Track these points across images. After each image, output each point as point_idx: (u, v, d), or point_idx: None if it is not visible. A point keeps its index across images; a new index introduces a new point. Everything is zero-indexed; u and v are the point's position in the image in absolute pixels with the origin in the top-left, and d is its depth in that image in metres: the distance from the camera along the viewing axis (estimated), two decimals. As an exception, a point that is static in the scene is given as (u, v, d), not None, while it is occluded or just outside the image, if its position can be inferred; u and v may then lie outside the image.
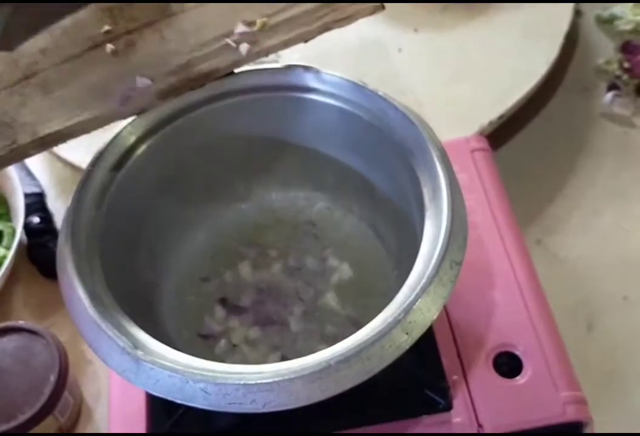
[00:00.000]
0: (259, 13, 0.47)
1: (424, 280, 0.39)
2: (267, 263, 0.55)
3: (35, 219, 0.72)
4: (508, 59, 0.71)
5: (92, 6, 0.46)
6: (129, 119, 0.48)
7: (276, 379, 0.36)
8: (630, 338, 0.58)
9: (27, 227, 0.70)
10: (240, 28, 0.47)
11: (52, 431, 0.57)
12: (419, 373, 0.49)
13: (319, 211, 0.57)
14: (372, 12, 0.48)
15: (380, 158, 0.49)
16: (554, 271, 0.63)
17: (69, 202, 0.70)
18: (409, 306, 0.38)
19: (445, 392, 0.49)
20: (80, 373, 0.62)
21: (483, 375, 0.50)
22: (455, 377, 0.50)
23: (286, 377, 0.36)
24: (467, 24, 0.75)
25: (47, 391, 0.55)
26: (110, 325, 0.40)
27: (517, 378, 0.49)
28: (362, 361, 0.37)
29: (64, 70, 0.46)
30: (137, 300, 0.47)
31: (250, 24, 0.47)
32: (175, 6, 0.47)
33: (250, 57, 0.47)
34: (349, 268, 0.53)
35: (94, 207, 0.45)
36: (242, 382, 0.37)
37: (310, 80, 0.49)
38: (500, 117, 0.67)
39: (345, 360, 0.37)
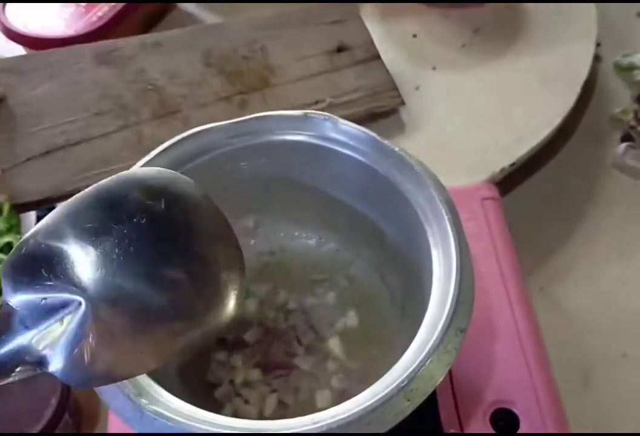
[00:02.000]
0: (328, 94, 0.69)
1: (428, 347, 0.39)
2: (272, 303, 0.56)
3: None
4: (524, 104, 0.71)
5: (216, 71, 0.69)
6: (144, 159, 0.48)
7: (273, 440, 0.37)
8: (625, 397, 0.59)
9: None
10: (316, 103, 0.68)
11: (49, 452, 0.58)
12: (416, 426, 0.49)
13: (328, 252, 0.57)
14: (397, 106, 0.71)
15: (393, 211, 0.49)
16: (555, 320, 0.63)
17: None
18: (412, 373, 0.38)
19: (440, 445, 0.49)
20: (80, 394, 0.63)
21: (480, 430, 0.50)
22: (452, 431, 0.50)
23: (283, 439, 0.37)
24: (485, 65, 0.75)
25: (47, 413, 0.55)
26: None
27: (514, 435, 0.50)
28: (362, 426, 0.37)
29: (198, 113, 0.64)
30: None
31: (320, 101, 0.68)
32: (273, 80, 0.69)
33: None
34: (354, 314, 0.54)
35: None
36: (242, 439, 0.37)
37: (329, 130, 0.49)
38: (512, 165, 0.67)
39: (345, 424, 0.37)
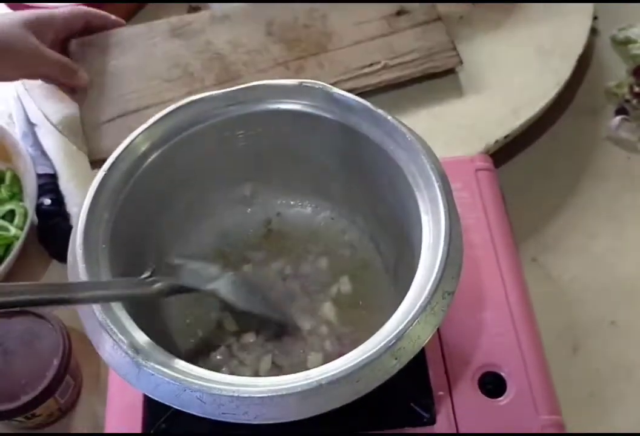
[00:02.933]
0: (383, 56, 0.71)
1: (415, 308, 0.40)
2: (268, 269, 0.57)
3: (47, 201, 0.73)
4: (520, 77, 0.72)
5: (277, 39, 0.73)
6: (144, 126, 0.49)
7: (268, 394, 0.38)
8: (613, 364, 0.60)
9: (39, 208, 0.72)
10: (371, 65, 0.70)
11: (51, 411, 0.60)
12: (406, 387, 0.51)
13: (324, 220, 0.58)
14: (454, 66, 0.72)
15: (386, 179, 0.50)
16: (546, 290, 0.64)
17: (81, 185, 0.73)
18: (399, 333, 0.40)
19: (430, 407, 0.51)
20: (81, 355, 0.64)
21: (468, 392, 0.52)
22: (440, 393, 0.52)
23: (278, 393, 0.38)
24: (483, 36, 0.75)
25: (49, 374, 0.57)
26: (115, 328, 0.41)
27: (500, 398, 0.52)
28: (352, 383, 0.39)
29: (258, 77, 0.65)
30: (142, 303, 0.49)
31: (375, 63, 0.70)
32: (330, 45, 0.72)
33: (375, 84, 0.70)
34: (348, 281, 0.55)
35: (106, 211, 0.47)
36: (236, 395, 0.39)
37: (323, 99, 0.50)
38: (507, 137, 0.68)
39: (335, 381, 0.39)
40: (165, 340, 0.49)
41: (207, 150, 0.53)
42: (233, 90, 0.51)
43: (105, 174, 0.47)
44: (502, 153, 0.70)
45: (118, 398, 0.55)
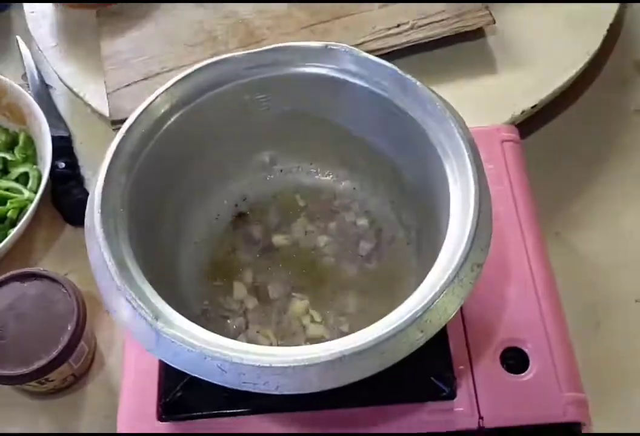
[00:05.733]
0: (410, 17, 0.69)
1: (443, 280, 0.39)
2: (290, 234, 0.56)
3: (61, 164, 0.73)
4: (548, 47, 0.70)
5: (302, 6, 0.72)
6: (162, 88, 0.48)
7: (291, 365, 0.38)
8: (636, 342, 0.59)
9: (53, 171, 0.70)
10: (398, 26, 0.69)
11: (65, 377, 0.59)
12: (427, 360, 0.49)
13: (345, 190, 0.57)
14: (487, 24, 0.69)
15: (412, 147, 0.49)
16: (569, 266, 0.63)
17: (96, 149, 0.72)
18: (426, 305, 0.38)
19: (450, 381, 0.50)
20: (95, 320, 0.64)
21: (489, 368, 0.51)
22: (461, 367, 0.51)
23: (300, 364, 0.37)
24: (513, 5, 0.73)
25: (64, 340, 0.56)
26: (134, 293, 0.40)
27: (522, 374, 0.50)
28: (376, 356, 0.38)
29: (282, 40, 0.58)
30: (159, 269, 0.48)
31: (403, 24, 0.69)
32: (356, 8, 0.71)
33: (402, 44, 0.69)
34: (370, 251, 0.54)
35: (124, 174, 0.46)
36: (257, 364, 0.38)
37: (349, 63, 0.49)
38: (534, 107, 0.66)
39: (359, 352, 0.38)
40: (183, 307, 0.48)
41: (227, 114, 0.51)
42: (255, 52, 0.49)
43: (123, 136, 0.46)
44: (528, 125, 0.68)
45: (134, 365, 0.54)
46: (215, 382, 0.39)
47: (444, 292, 0.39)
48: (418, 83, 0.47)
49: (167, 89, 0.48)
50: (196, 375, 0.39)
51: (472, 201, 0.42)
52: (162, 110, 0.48)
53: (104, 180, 0.44)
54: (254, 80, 0.50)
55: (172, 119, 0.48)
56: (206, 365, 0.38)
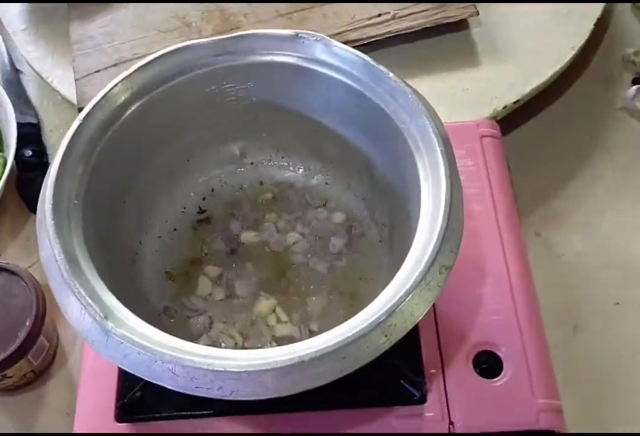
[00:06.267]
0: (392, 7, 0.68)
1: (410, 283, 0.37)
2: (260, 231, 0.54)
3: (28, 152, 0.70)
4: (533, 40, 0.68)
5: None
6: (123, 74, 0.46)
7: (246, 369, 0.35)
8: (615, 346, 0.57)
9: (19, 159, 0.68)
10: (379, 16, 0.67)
11: (24, 373, 0.57)
12: (396, 363, 0.48)
13: (317, 184, 0.55)
14: (470, 15, 0.67)
15: (385, 141, 0.46)
16: (548, 266, 0.61)
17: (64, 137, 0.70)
18: (391, 308, 0.36)
19: (420, 385, 0.48)
20: (58, 316, 0.61)
21: (461, 372, 0.49)
22: (432, 371, 0.49)
23: (256, 368, 0.35)
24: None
25: (21, 335, 0.54)
26: (83, 290, 0.38)
27: (496, 379, 0.49)
28: (337, 360, 0.36)
29: (258, 28, 0.56)
30: (119, 264, 0.46)
31: (384, 13, 0.67)
32: None
33: (382, 34, 0.67)
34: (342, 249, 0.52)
35: (81, 163, 0.44)
36: (210, 368, 0.36)
37: (320, 52, 0.46)
38: (517, 102, 0.64)
39: (319, 357, 0.36)
40: (139, 304, 0.46)
41: (192, 104, 0.49)
42: (222, 39, 0.47)
43: (80, 124, 0.44)
44: (509, 121, 0.66)
45: (92, 363, 0.52)
46: (166, 386, 0.37)
47: (410, 295, 0.37)
48: (391, 74, 0.44)
49: (127, 76, 0.45)
50: (147, 379, 0.37)
51: (442, 200, 0.40)
52: (122, 98, 0.45)
53: (58, 169, 0.42)
54: (220, 68, 0.47)
55: (133, 108, 0.46)
56: (157, 368, 0.36)
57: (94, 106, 0.44)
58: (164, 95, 0.47)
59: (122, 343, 0.37)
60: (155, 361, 0.36)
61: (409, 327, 0.37)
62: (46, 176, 0.43)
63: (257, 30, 0.47)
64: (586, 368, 0.56)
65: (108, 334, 0.37)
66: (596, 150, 0.68)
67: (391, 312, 0.36)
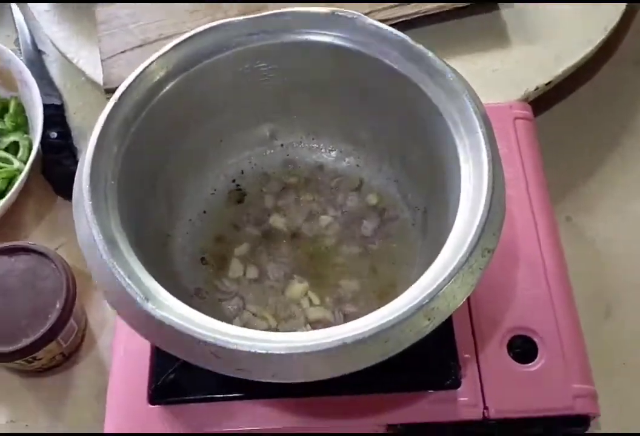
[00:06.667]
0: None
1: (453, 266, 0.37)
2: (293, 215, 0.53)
3: (53, 134, 0.70)
4: (564, 21, 0.67)
5: None
6: (158, 53, 0.45)
7: (288, 352, 0.35)
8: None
9: (44, 141, 0.67)
10: None
11: (53, 355, 0.57)
12: (430, 347, 0.47)
13: (348, 167, 0.54)
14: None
15: (421, 122, 0.46)
16: (579, 251, 0.60)
17: (89, 118, 0.69)
18: (434, 291, 0.36)
19: (454, 370, 0.48)
20: (86, 299, 0.61)
21: (496, 356, 0.49)
22: (467, 356, 0.49)
23: (299, 351, 0.35)
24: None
25: (52, 317, 0.54)
26: (123, 272, 0.38)
27: (530, 364, 0.48)
28: (379, 344, 0.36)
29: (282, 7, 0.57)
30: (150, 246, 0.45)
31: None
32: None
33: (410, 14, 0.65)
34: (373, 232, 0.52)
35: (116, 143, 0.43)
36: (254, 350, 0.35)
37: (357, 31, 0.45)
38: (549, 84, 0.63)
39: (362, 340, 0.35)
40: (175, 286, 0.45)
41: (225, 83, 0.48)
42: (257, 17, 0.46)
43: (115, 103, 0.43)
44: (539, 103, 0.65)
45: (124, 345, 0.52)
46: (208, 368, 0.36)
47: (453, 278, 0.36)
48: (430, 53, 0.44)
49: (162, 55, 0.45)
50: (189, 361, 0.37)
51: (485, 182, 0.39)
52: (157, 77, 0.45)
53: (94, 149, 0.41)
54: (254, 48, 0.47)
55: (168, 87, 0.45)
56: (199, 351, 0.36)
57: (129, 86, 0.44)
58: (198, 74, 0.46)
59: (163, 324, 0.36)
60: (198, 343, 0.36)
61: (452, 310, 0.37)
62: (81, 157, 0.42)
63: (292, 8, 0.46)
64: (616, 354, 0.56)
65: (149, 316, 0.37)
66: (627, 134, 0.67)
67: (434, 296, 0.36)
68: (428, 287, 0.36)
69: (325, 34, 0.46)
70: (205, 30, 0.45)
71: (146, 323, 0.37)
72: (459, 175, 0.41)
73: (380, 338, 0.35)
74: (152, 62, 0.44)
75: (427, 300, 0.36)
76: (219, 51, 0.46)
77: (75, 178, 0.42)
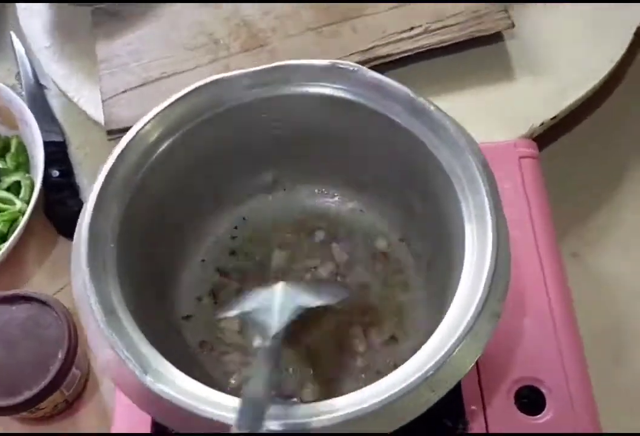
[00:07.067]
0: (424, 20, 0.64)
1: (457, 334, 0.36)
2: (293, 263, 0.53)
3: (55, 172, 0.69)
4: (569, 52, 0.65)
5: (310, 6, 0.67)
6: (155, 110, 0.44)
7: (285, 430, 0.35)
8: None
9: (46, 180, 0.67)
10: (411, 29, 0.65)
11: (56, 404, 0.56)
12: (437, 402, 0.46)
13: (352, 213, 0.54)
14: (505, 29, 0.64)
15: (423, 175, 0.45)
16: (586, 289, 0.59)
17: (92, 154, 0.69)
18: (437, 363, 0.35)
19: (461, 422, 0.47)
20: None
21: (503, 408, 0.48)
22: (473, 407, 0.48)
23: (294, 430, 0.34)
24: (534, 6, 0.68)
25: (54, 368, 0.53)
26: (121, 343, 0.37)
27: (538, 416, 0.47)
28: (382, 417, 0.35)
29: (287, 44, 0.65)
30: (150, 299, 0.45)
31: (416, 27, 0.64)
32: (367, 10, 0.66)
33: (414, 49, 0.64)
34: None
35: (114, 203, 0.43)
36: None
37: (357, 82, 0.45)
38: (554, 118, 0.62)
39: (363, 415, 0.34)
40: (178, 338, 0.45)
41: (226, 136, 0.48)
42: (256, 71, 0.45)
43: (113, 164, 0.43)
44: (542, 138, 0.64)
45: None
46: (206, 440, 0.36)
47: (458, 347, 0.36)
48: (432, 107, 0.43)
49: (160, 112, 0.44)
50: (184, 431, 0.36)
51: (489, 245, 0.38)
52: (155, 135, 0.44)
53: (92, 213, 0.41)
54: (255, 101, 0.46)
55: (165, 145, 0.45)
56: (196, 424, 0.35)
57: (126, 146, 0.43)
58: (197, 129, 0.46)
59: (161, 398, 0.36)
60: (194, 417, 0.35)
61: (457, 380, 0.36)
62: (80, 217, 0.42)
63: (291, 61, 0.46)
64: (625, 401, 0.55)
65: (148, 389, 0.36)
66: (634, 166, 0.66)
67: (438, 367, 0.35)
68: (431, 357, 0.36)
69: (325, 86, 0.46)
70: (202, 86, 0.45)
71: (144, 396, 0.36)
72: (462, 232, 0.41)
73: (384, 412, 0.35)
74: (149, 120, 0.44)
75: (431, 372, 0.35)
76: (218, 105, 0.46)
77: (73, 244, 0.41)
